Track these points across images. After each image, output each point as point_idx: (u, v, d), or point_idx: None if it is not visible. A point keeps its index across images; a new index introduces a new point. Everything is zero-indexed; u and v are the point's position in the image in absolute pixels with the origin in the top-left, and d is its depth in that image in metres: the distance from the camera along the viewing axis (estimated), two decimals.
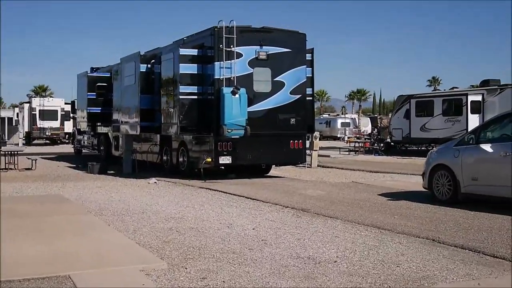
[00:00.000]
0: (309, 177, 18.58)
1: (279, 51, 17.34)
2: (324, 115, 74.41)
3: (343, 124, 60.02)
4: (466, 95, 28.61)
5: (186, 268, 6.58)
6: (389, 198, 12.82)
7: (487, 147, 11.07)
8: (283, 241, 8.16)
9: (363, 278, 6.16)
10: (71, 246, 7.64)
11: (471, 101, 28.13)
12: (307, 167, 21.90)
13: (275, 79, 17.28)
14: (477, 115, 27.30)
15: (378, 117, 57.96)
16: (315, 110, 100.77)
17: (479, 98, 28.23)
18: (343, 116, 67.09)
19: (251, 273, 6.35)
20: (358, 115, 77.65)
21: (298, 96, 17.67)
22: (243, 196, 13.30)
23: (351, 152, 33.31)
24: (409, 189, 14.40)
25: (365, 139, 37.89)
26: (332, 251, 7.44)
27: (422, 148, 31.16)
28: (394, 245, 7.86)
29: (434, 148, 16.17)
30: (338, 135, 57.59)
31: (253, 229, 9.13)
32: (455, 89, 33.60)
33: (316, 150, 23.25)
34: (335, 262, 6.87)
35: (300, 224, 9.66)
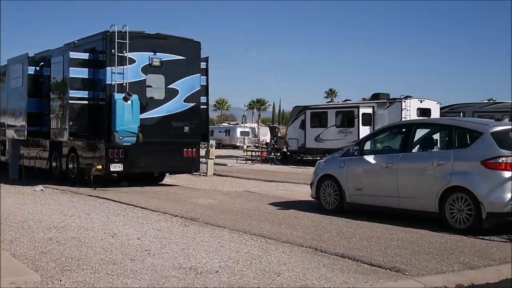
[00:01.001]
0: (203, 185, 18.53)
1: (173, 59, 17.22)
2: (224, 124, 74.68)
3: (242, 133, 60.52)
4: (358, 107, 29.75)
5: (60, 281, 6.31)
6: (279, 208, 13.02)
7: (370, 159, 11.53)
8: (167, 251, 8.05)
9: None
10: None
11: (363, 113, 29.29)
12: (203, 175, 21.88)
13: (168, 87, 17.14)
14: (368, 126, 28.42)
15: (276, 127, 58.94)
16: (216, 118, 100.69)
17: (369, 110, 29.42)
18: (242, 125, 67.66)
19: (129, 285, 6.20)
20: (258, 124, 78.59)
21: (192, 104, 17.62)
22: (132, 205, 13.05)
23: (248, 161, 33.64)
24: (299, 198, 14.68)
25: (263, 148, 38.38)
26: (216, 261, 7.41)
27: (317, 158, 31.97)
28: (277, 254, 7.96)
29: (322, 159, 16.63)
30: (238, 144, 57.91)
31: (138, 238, 8.96)
32: (347, 102, 34.86)
33: (212, 159, 23.28)
34: (216, 272, 6.84)
35: (187, 233, 9.59)
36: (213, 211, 12.42)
